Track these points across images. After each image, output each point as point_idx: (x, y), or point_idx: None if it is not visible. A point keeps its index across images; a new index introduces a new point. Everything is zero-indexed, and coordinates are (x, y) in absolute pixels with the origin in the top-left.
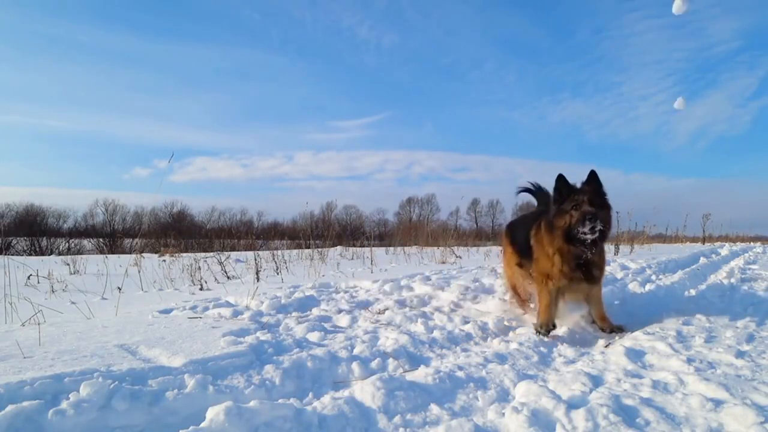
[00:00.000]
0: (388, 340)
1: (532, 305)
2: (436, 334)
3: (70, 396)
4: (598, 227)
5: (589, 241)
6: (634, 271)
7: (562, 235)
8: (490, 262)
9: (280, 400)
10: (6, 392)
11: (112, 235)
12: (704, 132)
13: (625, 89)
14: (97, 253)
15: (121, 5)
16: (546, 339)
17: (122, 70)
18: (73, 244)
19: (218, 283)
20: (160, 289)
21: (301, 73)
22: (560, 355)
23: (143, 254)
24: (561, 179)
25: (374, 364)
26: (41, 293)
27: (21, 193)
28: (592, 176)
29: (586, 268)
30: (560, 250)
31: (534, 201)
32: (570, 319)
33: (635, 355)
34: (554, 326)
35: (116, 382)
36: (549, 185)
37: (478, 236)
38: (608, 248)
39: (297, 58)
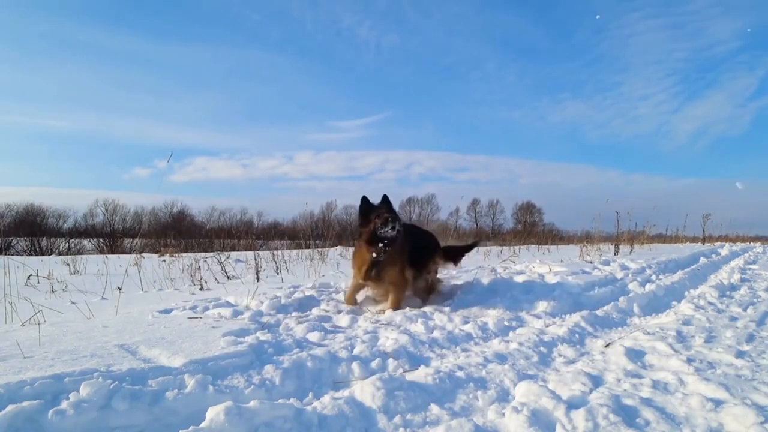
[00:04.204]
0: (388, 340)
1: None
2: (436, 334)
3: (70, 396)
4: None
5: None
6: (634, 271)
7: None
8: (490, 262)
9: (280, 400)
10: (6, 392)
11: (112, 235)
12: (704, 132)
13: (625, 89)
14: (97, 253)
15: (122, 5)
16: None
17: (122, 70)
18: (73, 244)
19: (218, 283)
20: (160, 289)
21: (301, 73)
22: (560, 355)
23: (143, 254)
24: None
25: (374, 364)
26: (41, 293)
27: (21, 193)
28: (385, 199)
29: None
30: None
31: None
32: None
33: (635, 355)
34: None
35: (116, 382)
36: (548, 185)
37: (478, 236)
38: (608, 248)
39: (297, 58)
